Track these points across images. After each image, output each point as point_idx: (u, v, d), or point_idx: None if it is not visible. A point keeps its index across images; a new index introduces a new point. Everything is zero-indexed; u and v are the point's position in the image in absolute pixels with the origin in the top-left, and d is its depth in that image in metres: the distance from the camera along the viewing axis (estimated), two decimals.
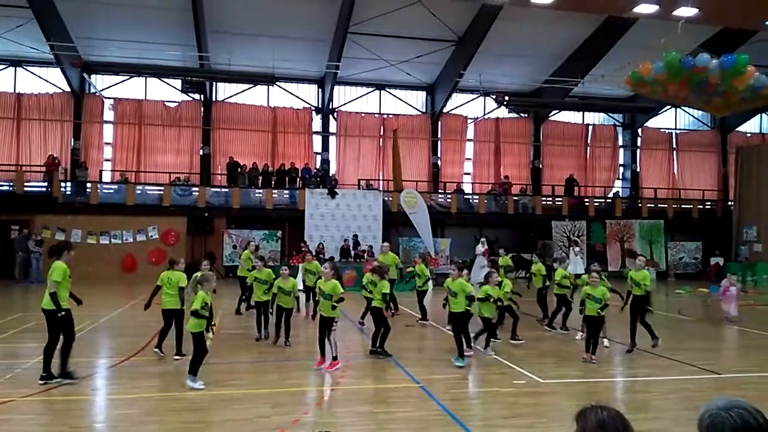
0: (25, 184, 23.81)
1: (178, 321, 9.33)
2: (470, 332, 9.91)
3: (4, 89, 26.18)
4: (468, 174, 30.62)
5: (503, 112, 30.72)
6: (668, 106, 30.62)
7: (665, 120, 33.31)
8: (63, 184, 24.39)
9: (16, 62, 26.27)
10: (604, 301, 9.39)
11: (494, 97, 27.37)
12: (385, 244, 16.55)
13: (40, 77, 26.64)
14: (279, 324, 10.64)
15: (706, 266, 28.51)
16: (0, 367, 8.53)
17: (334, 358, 8.74)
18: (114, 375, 8.55)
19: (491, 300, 9.86)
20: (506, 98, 26.94)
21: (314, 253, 21.32)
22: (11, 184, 23.79)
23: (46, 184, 24.05)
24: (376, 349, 9.75)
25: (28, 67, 26.54)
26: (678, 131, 33.47)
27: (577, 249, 17.54)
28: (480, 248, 22.23)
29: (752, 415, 2.04)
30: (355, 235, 24.48)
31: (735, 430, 2.02)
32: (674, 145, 33.19)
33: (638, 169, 32.64)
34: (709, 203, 31.59)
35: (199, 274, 9.46)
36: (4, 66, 26.41)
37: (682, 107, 30.55)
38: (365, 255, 22.44)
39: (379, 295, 10.04)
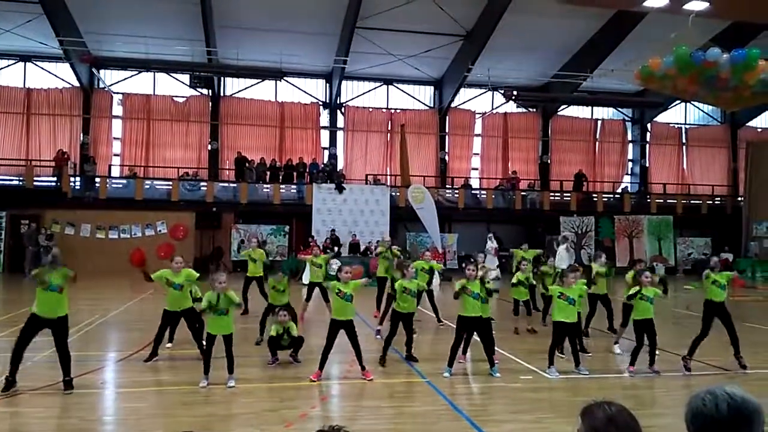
0: (35, 178, 24.02)
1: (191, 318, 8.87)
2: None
3: (14, 84, 26.37)
4: (476, 169, 30.57)
5: (511, 107, 30.62)
6: (678, 101, 30.36)
7: (675, 115, 33.08)
8: (72, 179, 24.60)
9: (25, 57, 26.44)
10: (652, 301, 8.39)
11: (502, 92, 27.31)
12: (387, 239, 15.56)
13: (49, 72, 26.80)
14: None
15: None
16: None
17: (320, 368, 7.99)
18: (123, 368, 8.61)
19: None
20: (515, 93, 26.86)
21: (322, 248, 21.33)
22: (21, 178, 24.00)
23: (55, 178, 24.25)
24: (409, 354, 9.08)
25: (37, 63, 26.71)
26: (687, 126, 33.23)
27: (566, 245, 16.84)
28: (490, 245, 21.96)
29: (716, 402, 1.97)
30: (332, 230, 24.26)
31: (691, 412, 2.03)
32: (684, 141, 32.98)
33: (647, 165, 32.46)
34: (719, 199, 31.40)
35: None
36: (13, 61, 26.58)
37: (692, 102, 30.35)
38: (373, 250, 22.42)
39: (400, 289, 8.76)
